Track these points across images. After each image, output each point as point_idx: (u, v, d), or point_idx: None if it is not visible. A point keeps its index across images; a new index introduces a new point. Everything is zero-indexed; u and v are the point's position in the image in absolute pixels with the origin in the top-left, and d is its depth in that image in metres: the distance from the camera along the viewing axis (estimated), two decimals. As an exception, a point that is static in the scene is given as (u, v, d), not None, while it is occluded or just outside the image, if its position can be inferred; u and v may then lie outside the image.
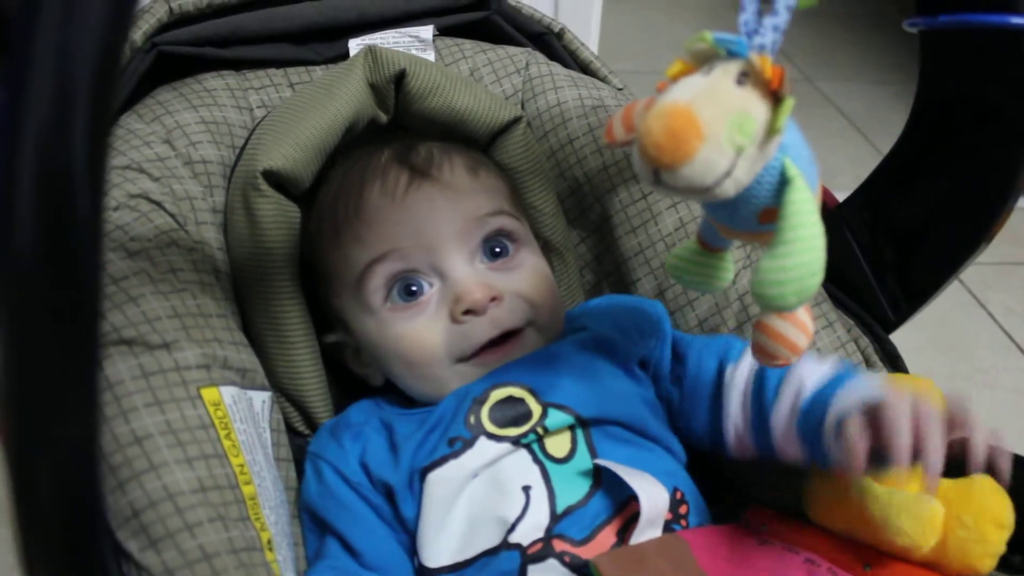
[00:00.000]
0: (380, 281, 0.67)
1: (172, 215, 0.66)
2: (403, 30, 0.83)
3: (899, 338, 0.76)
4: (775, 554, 0.59)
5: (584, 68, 0.89)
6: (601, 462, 0.62)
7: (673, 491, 0.63)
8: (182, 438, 0.55)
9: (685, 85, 0.45)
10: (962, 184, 0.71)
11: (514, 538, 0.60)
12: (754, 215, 0.48)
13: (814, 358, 0.64)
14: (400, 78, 0.74)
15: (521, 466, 0.63)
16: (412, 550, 0.64)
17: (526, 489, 0.61)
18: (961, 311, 1.57)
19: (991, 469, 0.51)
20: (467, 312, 0.66)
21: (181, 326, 0.60)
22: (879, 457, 0.52)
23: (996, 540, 0.56)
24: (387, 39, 0.82)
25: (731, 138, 0.43)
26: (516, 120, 0.80)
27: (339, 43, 0.81)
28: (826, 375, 0.61)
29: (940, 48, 0.70)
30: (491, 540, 0.60)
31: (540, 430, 0.63)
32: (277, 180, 0.69)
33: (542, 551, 0.59)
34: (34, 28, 0.29)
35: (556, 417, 0.64)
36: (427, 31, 0.83)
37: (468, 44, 0.86)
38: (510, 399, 0.65)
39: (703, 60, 0.46)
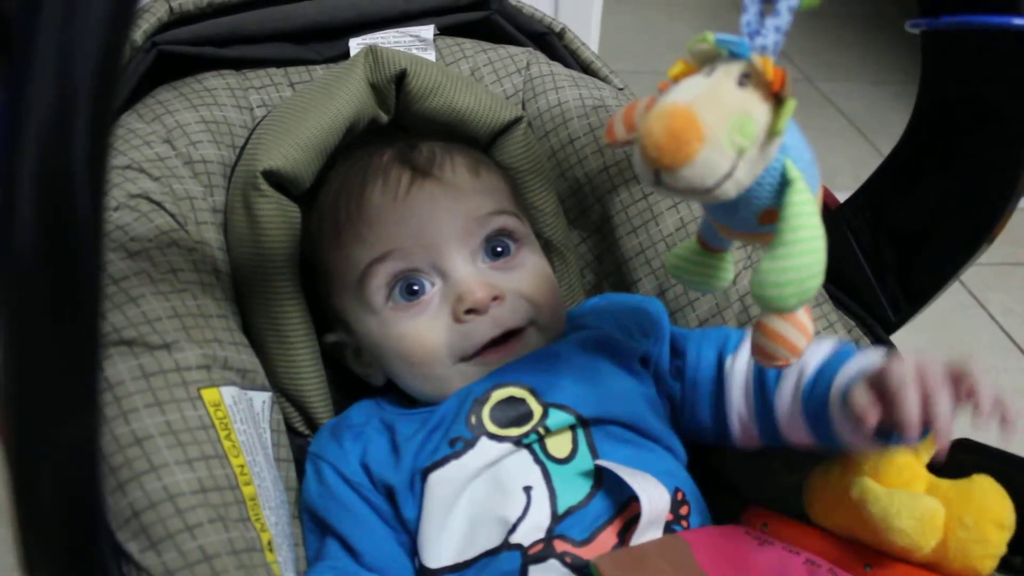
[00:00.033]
0: (382, 281, 0.67)
1: (172, 215, 0.66)
2: (404, 29, 0.82)
3: (900, 339, 0.76)
4: (776, 555, 0.59)
5: (585, 68, 0.89)
6: (602, 463, 0.62)
7: (674, 492, 0.63)
8: (182, 439, 0.55)
9: (686, 86, 0.45)
10: (963, 185, 0.71)
11: (515, 538, 0.60)
12: (755, 216, 0.48)
13: (814, 343, 0.64)
14: (401, 78, 0.74)
15: (522, 466, 0.63)
16: (413, 551, 0.63)
17: (527, 489, 0.61)
18: (961, 312, 1.57)
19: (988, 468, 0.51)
20: (469, 311, 0.66)
21: (181, 326, 0.60)
22: (885, 433, 0.52)
23: (997, 541, 0.56)
24: (388, 39, 0.81)
25: (732, 139, 0.43)
26: (517, 120, 0.80)
27: (340, 42, 0.81)
28: (826, 354, 0.62)
29: (942, 49, 0.70)
30: (492, 540, 0.60)
31: (541, 430, 0.63)
32: (277, 180, 0.69)
33: (543, 551, 0.59)
34: (34, 28, 0.29)
35: (557, 417, 0.64)
36: (428, 31, 0.83)
37: (469, 44, 0.86)
38: (511, 399, 0.65)
39: (705, 61, 0.46)
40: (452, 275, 0.67)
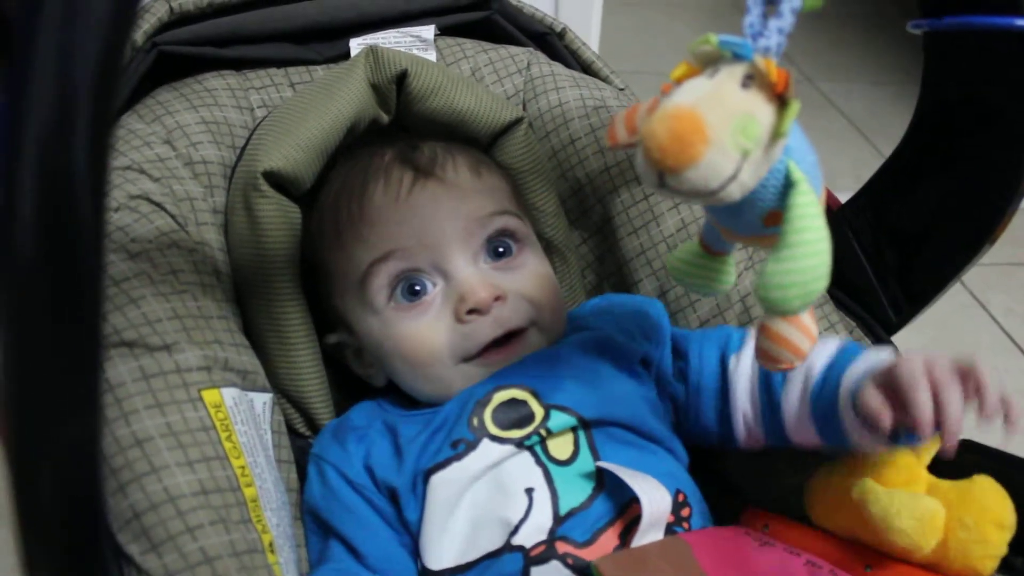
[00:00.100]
0: (384, 281, 0.67)
1: (173, 216, 0.66)
2: (404, 30, 0.82)
3: (901, 340, 0.76)
4: (777, 556, 0.59)
5: (586, 68, 0.89)
6: (603, 464, 0.62)
7: (675, 493, 0.63)
8: (183, 440, 0.55)
9: (689, 88, 0.45)
10: (965, 186, 0.71)
11: (517, 540, 0.60)
12: (758, 219, 0.48)
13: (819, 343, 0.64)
14: (401, 78, 0.74)
15: (524, 468, 0.62)
16: (415, 552, 0.63)
17: (529, 491, 0.61)
18: (963, 313, 1.57)
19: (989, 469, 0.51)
20: (471, 312, 0.66)
21: (182, 328, 0.60)
22: (895, 433, 0.52)
23: (997, 541, 0.56)
24: (388, 39, 0.81)
25: (736, 141, 0.43)
26: (518, 121, 0.79)
27: (340, 43, 0.81)
28: (832, 354, 0.62)
29: (943, 50, 0.70)
30: (494, 542, 0.60)
31: (543, 432, 0.63)
32: (278, 181, 0.69)
33: (545, 553, 0.59)
34: (35, 28, 0.29)
35: (558, 419, 0.64)
36: (428, 31, 0.83)
37: (469, 44, 0.86)
38: (513, 401, 0.65)
39: (707, 63, 0.46)
40: (454, 275, 0.67)
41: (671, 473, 0.65)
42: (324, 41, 0.81)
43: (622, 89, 0.87)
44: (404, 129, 0.78)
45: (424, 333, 0.67)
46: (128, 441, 0.53)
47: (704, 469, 0.70)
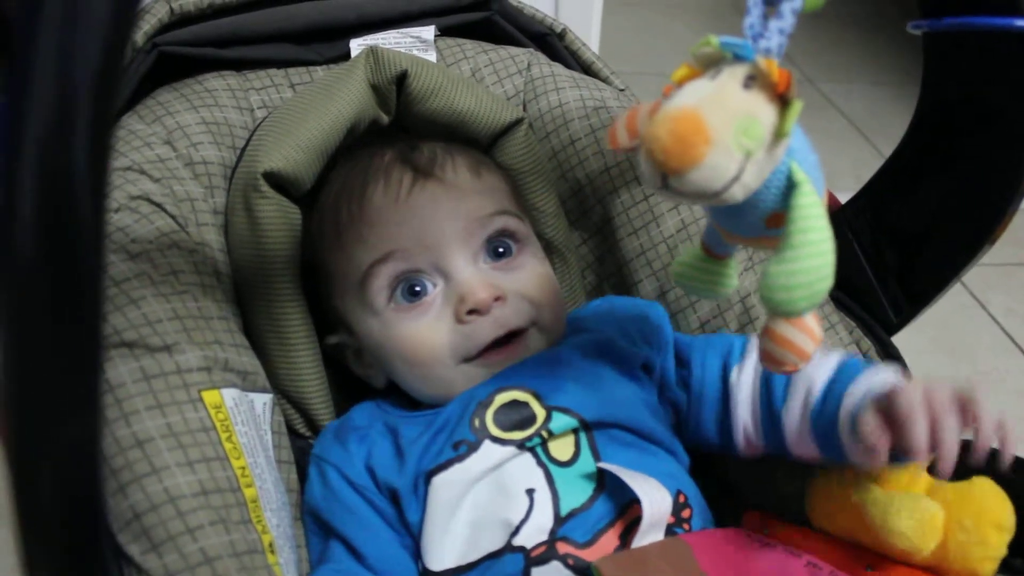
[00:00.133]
0: (384, 282, 0.67)
1: (173, 217, 0.66)
2: (404, 30, 0.82)
3: (901, 340, 0.76)
4: (777, 557, 0.59)
5: (586, 69, 0.89)
6: (604, 465, 0.62)
7: (676, 494, 0.63)
8: (183, 441, 0.55)
9: (691, 89, 0.45)
10: (965, 186, 0.71)
11: (518, 541, 0.60)
12: (761, 220, 0.48)
13: (820, 353, 0.64)
14: (402, 79, 0.74)
15: (525, 469, 0.62)
16: (416, 554, 0.63)
17: (530, 492, 0.61)
18: (963, 313, 1.57)
19: (988, 471, 0.51)
20: (471, 312, 0.66)
21: (182, 328, 0.60)
22: (894, 454, 0.52)
23: (996, 543, 0.56)
24: (388, 39, 0.81)
25: (739, 142, 0.43)
26: (518, 121, 0.79)
27: (340, 43, 0.81)
28: (833, 370, 0.61)
29: (943, 50, 0.70)
30: (495, 543, 0.60)
31: (544, 434, 0.63)
32: (278, 181, 0.69)
33: (546, 554, 0.59)
34: (35, 29, 0.29)
35: (560, 421, 0.64)
36: (429, 31, 0.83)
37: (469, 44, 0.86)
38: (514, 403, 0.65)
39: (708, 64, 0.46)
40: (454, 276, 0.67)
41: (672, 474, 0.65)
42: (324, 42, 0.81)
43: (622, 90, 0.87)
44: (404, 130, 0.78)
45: (424, 334, 0.67)
46: (128, 442, 0.53)
47: (705, 471, 0.70)
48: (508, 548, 0.60)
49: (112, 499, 0.52)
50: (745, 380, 0.67)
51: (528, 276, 0.70)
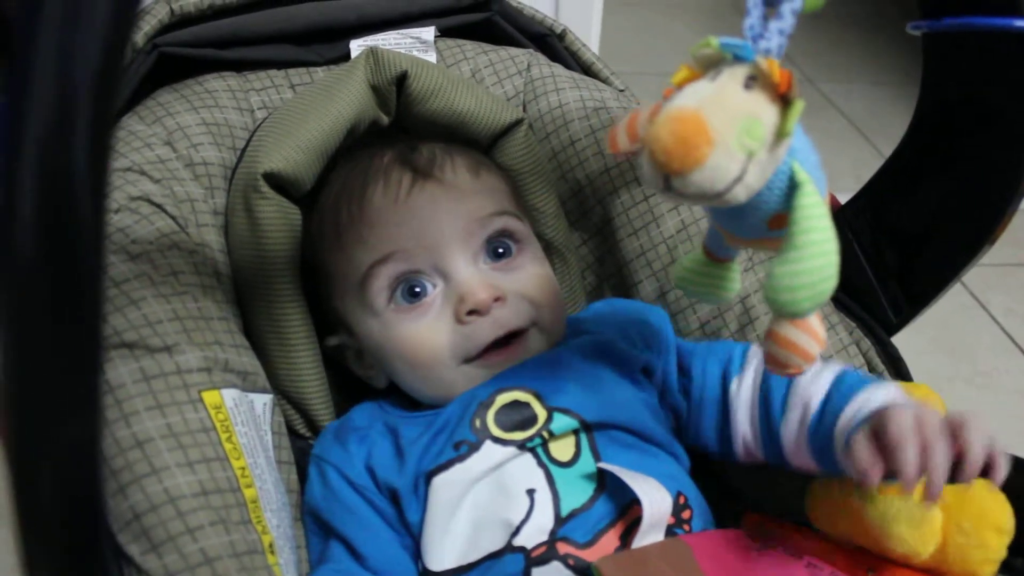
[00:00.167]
0: (384, 283, 0.67)
1: (173, 217, 0.66)
2: (404, 31, 0.82)
3: (901, 340, 0.76)
4: (777, 558, 0.59)
5: (586, 69, 0.89)
6: (604, 466, 0.62)
7: (676, 495, 0.63)
8: (183, 441, 0.55)
9: (692, 91, 0.45)
10: (964, 186, 0.71)
11: (518, 541, 0.60)
12: (763, 221, 0.48)
13: (817, 365, 0.64)
14: (402, 80, 0.74)
15: (525, 470, 0.62)
16: (416, 554, 0.63)
17: (530, 492, 0.61)
18: (963, 313, 1.57)
19: (986, 473, 0.51)
20: (471, 312, 0.66)
21: (182, 329, 0.60)
22: (887, 474, 0.52)
23: (996, 546, 0.55)
24: (388, 40, 0.81)
25: (741, 142, 0.43)
26: (518, 122, 0.79)
27: (340, 44, 0.81)
28: (830, 386, 0.61)
29: (943, 51, 0.70)
30: (495, 543, 0.60)
31: (545, 434, 0.63)
32: (278, 182, 0.69)
33: (546, 554, 0.59)
34: (35, 29, 0.29)
35: (561, 421, 0.64)
36: (428, 32, 0.83)
37: (469, 45, 0.86)
38: (515, 403, 0.65)
39: (709, 66, 0.46)
40: (454, 276, 0.67)
41: (672, 475, 0.65)
42: (324, 43, 0.81)
43: (622, 90, 0.87)
44: (404, 130, 0.78)
45: (425, 334, 0.67)
46: (129, 442, 0.53)
47: (705, 473, 0.70)
48: (508, 548, 0.60)
49: (112, 499, 0.52)
50: (744, 392, 0.67)
51: (528, 276, 0.70)
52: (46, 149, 0.30)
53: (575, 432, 0.64)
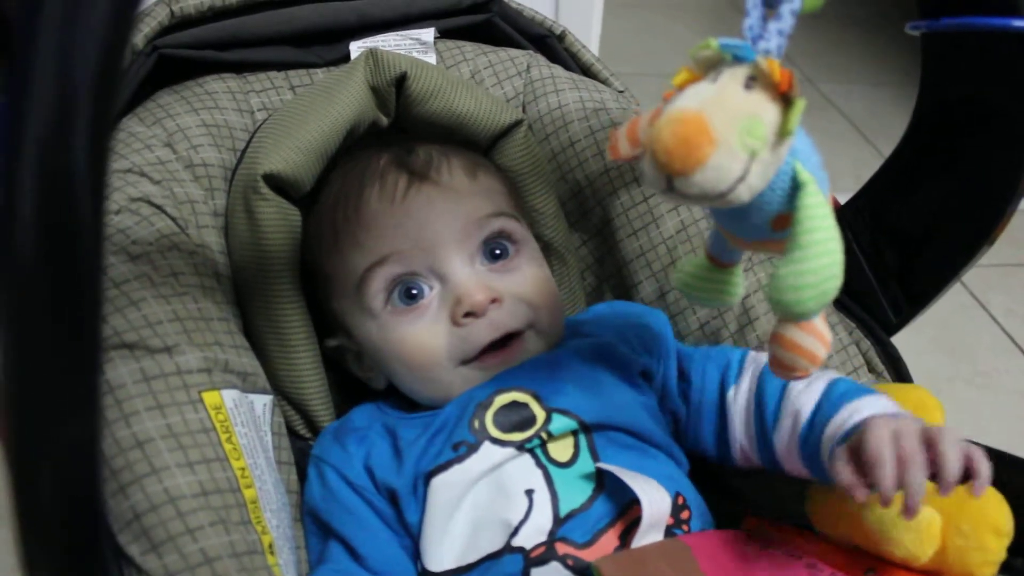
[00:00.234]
0: (380, 285, 0.67)
1: (173, 218, 0.66)
2: (404, 32, 0.82)
3: (901, 340, 0.76)
4: (777, 559, 0.59)
5: (585, 70, 0.89)
6: (603, 466, 0.62)
7: (675, 496, 0.63)
8: (183, 442, 0.55)
9: (692, 92, 0.45)
10: (964, 186, 0.71)
11: (517, 541, 0.60)
12: (766, 223, 0.48)
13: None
14: (401, 81, 0.74)
15: (524, 470, 0.62)
16: (415, 554, 0.63)
17: (529, 493, 0.61)
18: (963, 313, 1.57)
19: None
20: (467, 314, 0.66)
21: (182, 330, 0.60)
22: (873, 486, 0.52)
23: (995, 548, 0.55)
24: (388, 42, 0.81)
25: (743, 142, 0.43)
26: (517, 123, 0.80)
27: (340, 45, 0.81)
28: (821, 397, 0.61)
29: (942, 51, 0.70)
30: (494, 544, 0.60)
31: (544, 435, 0.63)
32: (278, 183, 0.69)
33: (545, 554, 0.59)
34: (35, 29, 0.29)
35: (560, 422, 0.64)
36: (428, 33, 0.83)
37: (469, 46, 0.86)
38: (514, 404, 0.65)
39: (708, 67, 0.46)
40: (450, 278, 0.67)
41: (671, 476, 0.65)
42: (324, 44, 0.81)
43: (622, 91, 0.87)
44: (403, 131, 0.78)
45: (422, 336, 0.67)
46: (129, 442, 0.53)
47: (704, 475, 0.70)
48: (507, 549, 0.60)
49: (112, 499, 0.52)
50: (740, 400, 0.67)
51: (525, 278, 0.70)
52: (46, 149, 0.30)
53: (574, 433, 0.64)
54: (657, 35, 2.38)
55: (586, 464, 0.63)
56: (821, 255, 0.45)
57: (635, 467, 0.62)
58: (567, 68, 0.88)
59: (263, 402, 0.66)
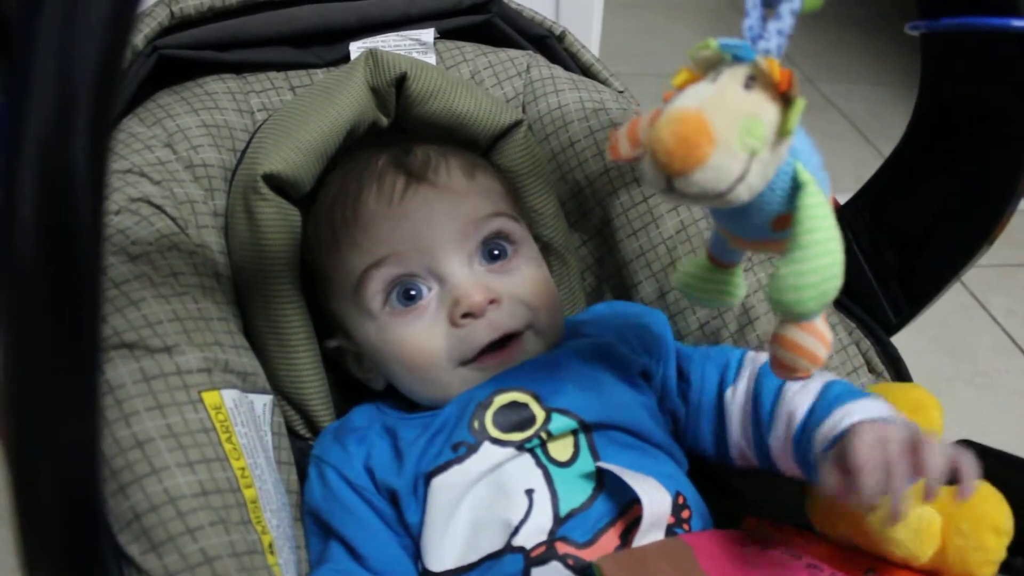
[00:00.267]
0: (378, 286, 0.67)
1: (173, 219, 0.66)
2: (404, 33, 0.83)
3: (901, 340, 0.76)
4: (777, 559, 0.59)
5: (585, 71, 0.89)
6: (603, 465, 0.62)
7: (675, 495, 0.63)
8: (183, 442, 0.55)
9: (692, 92, 0.45)
10: (964, 187, 0.71)
11: (517, 541, 0.60)
12: (767, 223, 0.48)
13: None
14: (401, 81, 0.74)
15: (524, 470, 0.62)
16: (416, 554, 0.63)
17: (529, 493, 0.61)
18: (963, 313, 1.57)
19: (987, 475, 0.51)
20: (466, 315, 0.66)
21: (182, 330, 0.60)
22: None
23: (995, 547, 0.55)
24: (388, 42, 0.82)
25: (743, 141, 0.43)
26: (517, 123, 0.80)
27: (340, 46, 0.81)
28: (814, 400, 0.61)
29: (941, 51, 0.70)
30: (495, 544, 0.60)
31: (544, 435, 0.63)
32: (278, 184, 0.69)
33: (545, 554, 0.59)
34: (35, 29, 0.29)
35: (559, 422, 0.64)
36: (428, 34, 0.83)
37: (469, 47, 0.86)
38: (514, 404, 0.65)
39: (708, 67, 0.46)
40: (448, 279, 0.67)
41: (671, 476, 0.65)
42: (324, 45, 0.81)
43: (622, 91, 0.87)
44: (403, 132, 0.78)
45: (420, 337, 0.67)
46: (129, 442, 0.54)
47: (704, 474, 0.70)
48: (508, 548, 0.60)
49: (112, 499, 0.52)
50: (738, 400, 0.67)
51: (523, 278, 0.70)
52: (46, 149, 0.30)
53: (574, 432, 0.64)
54: (657, 35, 2.38)
55: (586, 463, 0.63)
56: (822, 255, 0.45)
57: (635, 466, 0.62)
58: (567, 68, 0.88)
59: (263, 402, 0.66)
